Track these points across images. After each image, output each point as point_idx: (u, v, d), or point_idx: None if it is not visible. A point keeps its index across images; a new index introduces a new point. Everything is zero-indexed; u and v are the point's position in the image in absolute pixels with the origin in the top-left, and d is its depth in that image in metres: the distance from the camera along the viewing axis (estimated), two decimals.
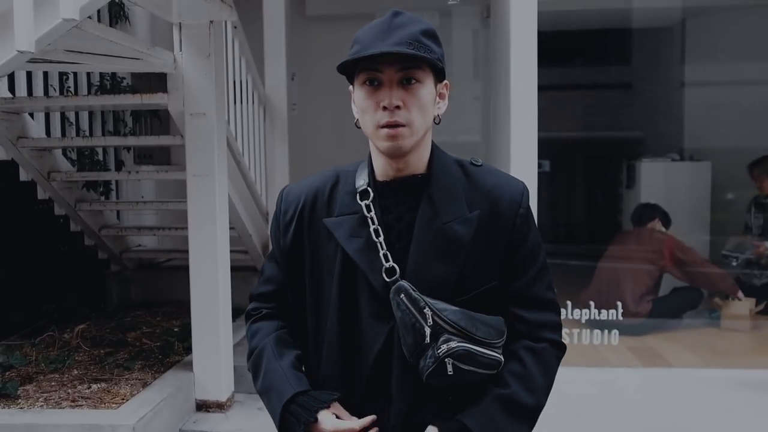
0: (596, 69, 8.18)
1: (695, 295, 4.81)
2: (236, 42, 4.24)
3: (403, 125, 1.23)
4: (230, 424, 3.38)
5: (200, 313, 3.46)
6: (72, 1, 2.21)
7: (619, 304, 4.26)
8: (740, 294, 4.69)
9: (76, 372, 3.53)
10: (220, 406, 3.49)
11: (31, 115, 4.06)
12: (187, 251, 3.48)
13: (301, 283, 1.38)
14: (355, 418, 1.31)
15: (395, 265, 1.27)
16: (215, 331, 3.46)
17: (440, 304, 1.24)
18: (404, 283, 1.25)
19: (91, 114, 4.67)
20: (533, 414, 1.31)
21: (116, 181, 5.14)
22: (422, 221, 1.29)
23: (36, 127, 4.07)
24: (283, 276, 1.42)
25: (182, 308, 4.74)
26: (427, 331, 1.22)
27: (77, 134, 4.49)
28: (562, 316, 1.41)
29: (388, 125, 1.22)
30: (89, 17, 2.56)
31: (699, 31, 6.61)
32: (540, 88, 3.55)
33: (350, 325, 1.32)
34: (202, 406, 3.49)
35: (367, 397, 1.32)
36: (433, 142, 1.34)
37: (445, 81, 1.32)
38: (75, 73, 4.43)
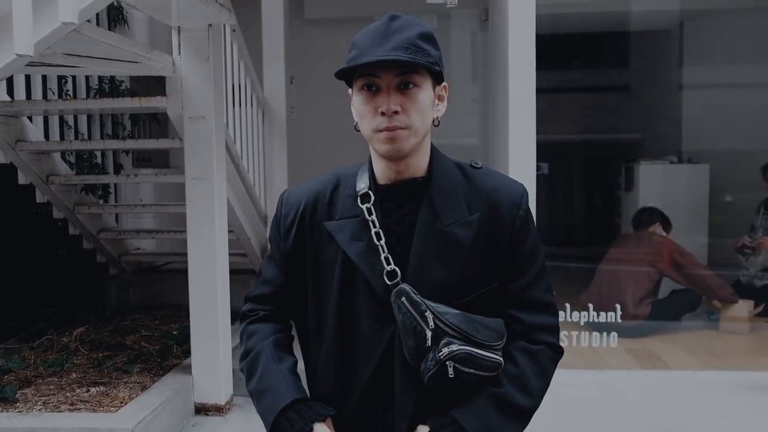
0: (594, 72, 8.20)
1: (694, 298, 4.81)
2: (235, 45, 4.25)
3: (402, 128, 1.23)
4: (229, 427, 3.37)
5: (199, 316, 3.46)
6: (71, 5, 2.21)
7: (618, 306, 4.26)
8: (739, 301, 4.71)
9: (74, 375, 3.53)
10: (218, 410, 3.49)
11: (30, 118, 4.06)
12: (185, 254, 3.48)
13: (303, 288, 1.38)
14: None
15: (396, 269, 1.27)
16: (214, 335, 3.46)
17: (441, 308, 1.25)
18: (405, 286, 1.26)
19: (89, 117, 4.67)
20: (525, 414, 1.31)
21: (115, 185, 5.14)
22: (423, 224, 1.29)
23: (35, 131, 4.07)
24: (282, 279, 1.42)
25: (181, 311, 4.74)
26: (429, 334, 1.23)
27: (76, 137, 4.49)
28: (561, 319, 1.41)
29: (387, 130, 1.23)
30: (88, 21, 2.56)
31: (697, 33, 6.63)
32: (538, 91, 3.56)
33: (348, 329, 1.32)
34: (201, 410, 3.49)
35: (365, 401, 1.32)
36: (432, 144, 1.34)
37: (444, 83, 1.32)
38: (74, 77, 4.44)
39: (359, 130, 1.31)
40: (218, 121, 3.48)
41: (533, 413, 1.32)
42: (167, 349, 3.95)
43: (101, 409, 3.08)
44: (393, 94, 1.22)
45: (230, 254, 3.72)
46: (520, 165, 3.53)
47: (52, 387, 3.36)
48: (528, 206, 1.35)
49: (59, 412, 3.05)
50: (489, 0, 5.02)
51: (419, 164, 1.31)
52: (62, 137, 4.36)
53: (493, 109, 4.60)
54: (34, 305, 4.71)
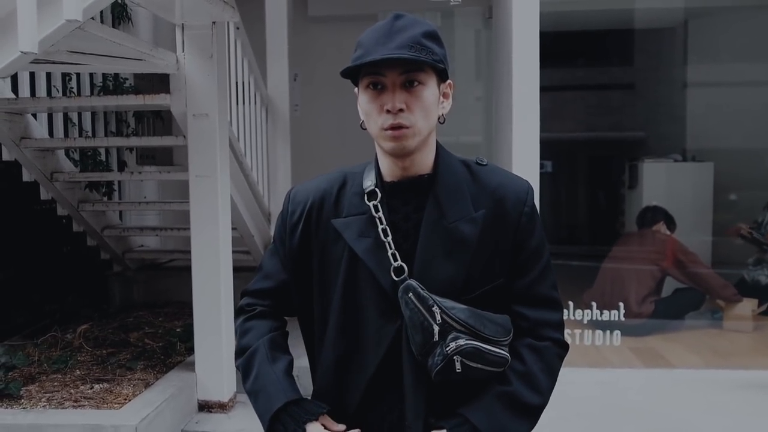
0: (598, 70, 8.19)
1: (697, 296, 4.80)
2: (239, 43, 4.25)
3: (407, 127, 1.24)
4: (232, 424, 3.38)
5: (202, 313, 3.46)
6: (75, 3, 2.21)
7: (622, 304, 4.26)
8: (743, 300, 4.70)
9: (78, 372, 3.54)
10: (222, 407, 3.49)
11: (34, 115, 4.07)
12: (189, 252, 3.48)
13: (308, 286, 1.39)
14: (343, 426, 1.32)
15: (404, 265, 1.28)
16: (217, 332, 3.46)
17: (448, 302, 1.25)
18: (413, 282, 1.26)
19: (93, 115, 4.68)
20: (535, 412, 1.32)
21: (119, 182, 5.15)
22: (429, 221, 1.30)
23: (39, 128, 4.08)
24: (285, 276, 1.42)
25: (184, 309, 4.74)
26: (436, 329, 1.23)
27: (80, 135, 4.50)
28: (564, 317, 1.41)
29: (392, 128, 1.23)
30: (92, 18, 2.56)
31: (702, 31, 6.61)
32: (542, 89, 3.55)
33: (352, 326, 1.33)
34: (205, 407, 3.50)
35: (369, 397, 1.32)
36: (438, 142, 1.35)
37: (449, 80, 1.33)
38: (78, 74, 4.44)
39: (365, 128, 1.32)
40: (222, 118, 3.49)
41: (542, 410, 1.33)
42: (171, 347, 3.96)
43: (105, 406, 3.09)
44: (398, 92, 1.23)
45: (234, 252, 3.72)
46: (524, 163, 3.52)
47: (56, 384, 3.37)
48: (533, 203, 1.35)
49: (63, 408, 3.06)
50: None
51: (425, 161, 1.32)
52: (66, 134, 4.37)
53: (496, 106, 4.59)
54: (38, 302, 4.72)
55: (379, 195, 1.32)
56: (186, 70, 3.38)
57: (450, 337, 1.23)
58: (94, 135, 4.67)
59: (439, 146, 1.35)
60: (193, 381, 3.47)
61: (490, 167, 1.37)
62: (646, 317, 4.54)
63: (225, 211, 3.53)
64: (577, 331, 4.14)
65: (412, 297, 1.25)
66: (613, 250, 5.10)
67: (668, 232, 4.94)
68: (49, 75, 4.13)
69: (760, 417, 3.38)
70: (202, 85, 3.38)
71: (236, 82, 4.23)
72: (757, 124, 6.01)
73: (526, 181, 1.37)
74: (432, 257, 1.29)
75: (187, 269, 3.53)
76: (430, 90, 1.26)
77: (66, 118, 4.38)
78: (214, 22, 3.35)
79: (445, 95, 1.32)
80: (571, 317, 4.16)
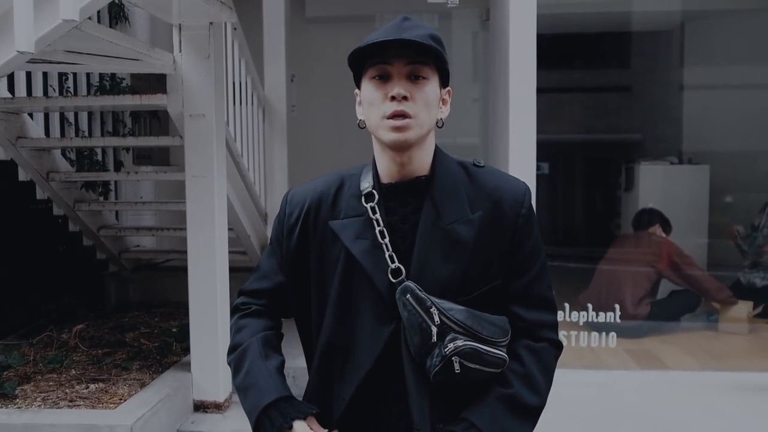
0: (595, 72, 8.21)
1: (693, 299, 4.81)
2: (236, 43, 4.25)
3: (410, 117, 1.25)
4: (228, 424, 3.37)
5: (198, 313, 3.46)
6: (72, 2, 2.21)
7: (617, 306, 4.27)
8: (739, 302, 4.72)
9: (74, 372, 3.53)
10: (217, 407, 3.49)
11: (31, 115, 4.06)
12: (185, 252, 3.48)
13: (305, 288, 1.39)
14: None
15: (401, 266, 1.29)
16: (213, 332, 3.46)
17: (446, 304, 1.26)
18: (410, 283, 1.27)
19: (90, 114, 4.67)
20: (536, 413, 1.33)
21: (115, 182, 5.14)
22: (425, 223, 1.31)
23: (35, 128, 4.07)
24: (282, 277, 1.42)
25: (180, 309, 4.74)
26: (434, 330, 1.24)
27: (76, 134, 4.49)
28: (560, 318, 1.43)
29: (395, 115, 1.24)
30: (89, 18, 2.56)
31: (698, 34, 6.63)
32: (539, 91, 3.56)
33: (346, 327, 1.33)
34: (200, 407, 3.49)
35: (362, 399, 1.32)
36: (436, 144, 1.36)
37: (448, 87, 1.35)
38: (74, 74, 4.44)
39: (363, 127, 1.33)
40: (219, 119, 3.49)
41: (542, 411, 1.34)
42: (166, 347, 3.95)
43: (100, 405, 3.08)
44: (403, 82, 1.25)
45: (230, 252, 3.72)
46: (520, 164, 3.52)
47: (51, 383, 3.37)
48: (531, 204, 1.36)
49: (58, 408, 3.05)
50: (490, 0, 5.02)
51: (422, 162, 1.33)
52: (63, 134, 4.36)
53: (493, 108, 4.60)
54: (34, 302, 4.71)
55: (377, 197, 1.32)
56: (183, 71, 3.38)
57: (448, 338, 1.24)
58: (90, 135, 4.66)
59: (437, 148, 1.36)
60: (188, 381, 3.47)
61: (487, 169, 1.38)
62: (642, 319, 4.55)
63: (221, 211, 3.52)
64: (573, 333, 4.15)
65: (410, 298, 1.26)
66: (608, 252, 5.11)
67: (664, 235, 4.95)
68: (45, 74, 4.13)
69: (754, 419, 3.38)
70: (199, 85, 3.38)
71: (233, 83, 4.23)
72: (753, 127, 6.03)
73: (524, 182, 1.38)
74: (429, 259, 1.29)
75: (184, 269, 3.52)
76: (432, 86, 1.28)
77: (62, 118, 4.37)
78: (211, 23, 3.35)
79: (443, 101, 1.33)
80: (567, 319, 4.16)
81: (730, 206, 6.06)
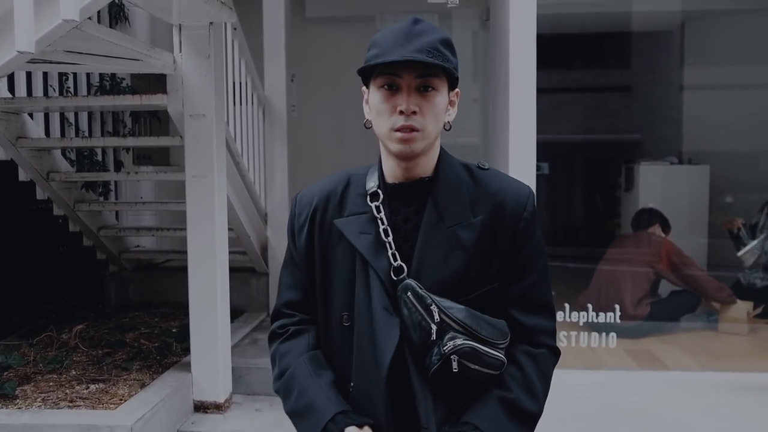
0: (595, 72, 8.21)
1: (693, 299, 4.81)
2: (236, 43, 4.25)
3: (417, 130, 1.25)
4: (228, 425, 3.38)
5: (198, 314, 3.46)
6: (72, 2, 2.21)
7: (617, 307, 4.27)
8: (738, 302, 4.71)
9: (74, 372, 3.53)
10: (218, 407, 3.49)
11: (31, 115, 4.06)
12: (185, 252, 3.48)
13: (313, 286, 1.40)
14: None
15: (403, 265, 1.30)
16: (213, 332, 3.46)
17: (446, 302, 1.27)
18: (411, 281, 1.28)
19: (90, 114, 4.67)
20: (534, 420, 1.33)
21: (115, 182, 5.14)
22: (427, 224, 1.31)
23: (35, 128, 4.07)
24: (303, 277, 1.42)
25: (181, 309, 4.74)
26: (434, 328, 1.25)
27: (76, 135, 4.49)
28: (560, 319, 1.44)
29: (403, 129, 1.24)
30: (89, 18, 2.56)
31: (698, 34, 6.63)
32: (539, 91, 3.56)
33: (350, 325, 1.34)
34: (200, 407, 3.49)
35: (390, 393, 1.30)
36: (442, 147, 1.37)
37: (457, 89, 1.34)
38: (74, 74, 4.44)
39: (369, 127, 1.33)
40: (219, 119, 3.49)
41: (539, 419, 1.34)
42: (167, 347, 3.95)
43: (100, 406, 3.08)
44: (413, 95, 1.24)
45: (230, 252, 3.72)
46: (520, 165, 3.53)
47: (51, 384, 3.37)
48: (534, 208, 1.36)
49: (58, 409, 3.06)
50: (490, 0, 5.02)
51: (428, 165, 1.34)
52: (63, 134, 4.36)
53: (493, 108, 4.60)
54: (34, 302, 4.71)
55: (381, 196, 1.33)
56: (183, 71, 3.38)
57: (447, 336, 1.24)
58: (90, 135, 4.66)
59: (442, 151, 1.37)
60: (188, 381, 3.47)
61: (491, 172, 1.39)
62: (642, 319, 4.55)
63: (221, 211, 3.53)
64: (573, 333, 4.15)
65: (410, 296, 1.27)
66: (608, 252, 5.11)
67: (663, 235, 4.95)
68: (45, 74, 4.13)
69: (754, 419, 3.38)
70: (199, 85, 3.38)
71: (233, 83, 4.23)
72: (753, 127, 6.03)
73: (528, 186, 1.38)
74: (429, 259, 1.30)
75: (184, 270, 3.52)
76: (441, 96, 1.27)
77: (63, 118, 4.38)
78: (211, 23, 3.35)
79: (451, 103, 1.33)
80: (567, 319, 4.16)
81: (730, 206, 6.05)
